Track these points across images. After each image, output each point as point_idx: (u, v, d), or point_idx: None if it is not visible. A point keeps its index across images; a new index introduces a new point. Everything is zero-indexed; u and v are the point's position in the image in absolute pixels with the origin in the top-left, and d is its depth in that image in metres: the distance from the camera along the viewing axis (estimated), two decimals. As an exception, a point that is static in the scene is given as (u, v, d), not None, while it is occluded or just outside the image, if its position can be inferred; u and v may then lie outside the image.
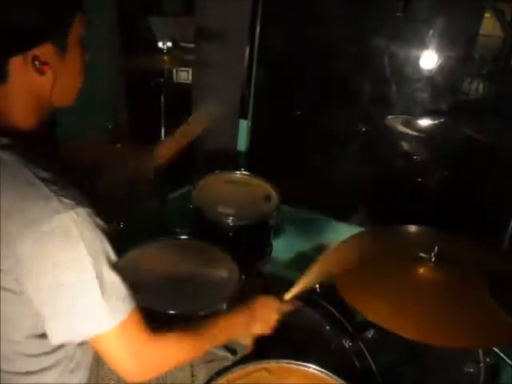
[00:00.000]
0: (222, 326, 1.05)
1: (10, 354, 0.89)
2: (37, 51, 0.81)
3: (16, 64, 0.80)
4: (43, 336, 0.85)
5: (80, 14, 0.86)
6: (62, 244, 0.76)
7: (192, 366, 1.21)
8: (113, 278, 0.81)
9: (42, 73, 0.82)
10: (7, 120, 0.83)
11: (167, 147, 1.49)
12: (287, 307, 1.22)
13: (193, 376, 1.21)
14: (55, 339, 0.83)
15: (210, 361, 1.22)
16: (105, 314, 0.80)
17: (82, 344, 1.01)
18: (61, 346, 0.92)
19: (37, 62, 0.81)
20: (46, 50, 0.81)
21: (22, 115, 0.85)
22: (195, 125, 1.49)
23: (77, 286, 0.78)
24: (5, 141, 0.79)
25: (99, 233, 0.79)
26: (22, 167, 0.77)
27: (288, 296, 1.23)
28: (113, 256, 0.82)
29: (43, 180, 0.76)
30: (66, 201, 0.76)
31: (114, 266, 0.82)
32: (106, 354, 0.85)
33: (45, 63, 0.82)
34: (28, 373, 0.92)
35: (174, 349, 0.92)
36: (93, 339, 0.83)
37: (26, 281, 0.78)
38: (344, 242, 1.30)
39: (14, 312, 0.83)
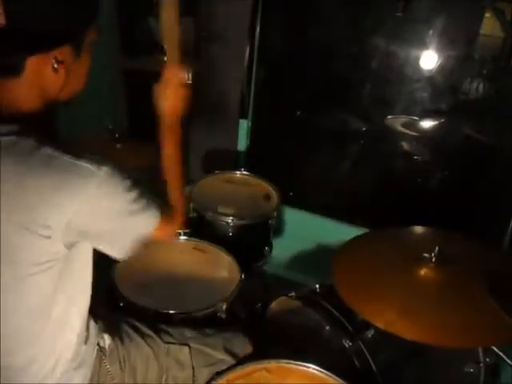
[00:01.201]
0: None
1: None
2: (57, 51, 0.86)
3: (34, 61, 0.85)
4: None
5: (95, 23, 0.92)
6: (109, 198, 0.88)
7: (193, 368, 1.21)
8: (143, 198, 0.95)
9: (56, 71, 0.87)
10: (15, 109, 0.87)
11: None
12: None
13: (193, 377, 1.21)
14: (121, 254, 0.97)
15: (211, 364, 1.23)
16: (149, 218, 0.97)
17: (86, 339, 1.03)
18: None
19: (54, 61, 0.86)
20: (64, 51, 0.87)
21: (26, 105, 0.89)
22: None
23: (131, 219, 0.93)
24: (16, 128, 0.84)
25: (125, 178, 0.91)
26: (41, 147, 0.83)
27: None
28: (137, 186, 0.94)
29: (64, 151, 0.85)
30: (92, 162, 0.85)
31: (143, 189, 0.95)
32: (160, 235, 1.01)
33: (61, 62, 0.87)
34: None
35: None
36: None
37: (85, 235, 0.90)
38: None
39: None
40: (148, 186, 1.01)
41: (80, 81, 0.96)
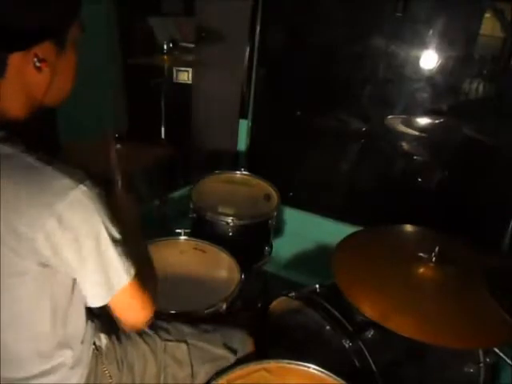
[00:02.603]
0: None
1: (25, 352, 0.92)
2: (38, 49, 0.83)
3: (15, 60, 0.82)
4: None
5: (78, 18, 0.88)
6: (81, 216, 0.81)
7: (192, 365, 1.21)
8: (121, 241, 0.87)
9: (39, 70, 0.84)
10: (2, 116, 0.85)
11: None
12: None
13: (192, 376, 1.21)
14: (93, 301, 0.90)
15: (210, 360, 1.22)
16: (124, 270, 0.88)
17: (82, 339, 1.02)
18: (65, 344, 0.96)
19: (36, 59, 0.83)
20: (46, 48, 0.84)
21: (13, 109, 0.87)
22: None
23: (99, 251, 0.84)
24: (2, 134, 0.82)
25: (104, 201, 0.85)
26: (25, 156, 0.81)
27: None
28: (115, 221, 0.87)
29: (48, 163, 0.81)
30: (74, 177, 0.81)
31: (119, 231, 0.87)
32: (124, 309, 0.94)
33: (43, 60, 0.84)
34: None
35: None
36: (116, 296, 0.89)
37: (55, 254, 0.82)
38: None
39: (36, 293, 0.88)
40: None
41: (67, 80, 0.92)
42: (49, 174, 0.80)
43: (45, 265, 0.84)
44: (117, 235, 0.86)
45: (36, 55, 0.83)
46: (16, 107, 0.87)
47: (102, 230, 0.83)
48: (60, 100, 0.93)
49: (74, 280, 0.90)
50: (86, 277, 0.87)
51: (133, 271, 0.89)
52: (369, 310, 1.19)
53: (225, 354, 1.25)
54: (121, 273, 0.87)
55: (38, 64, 0.83)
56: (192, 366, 1.20)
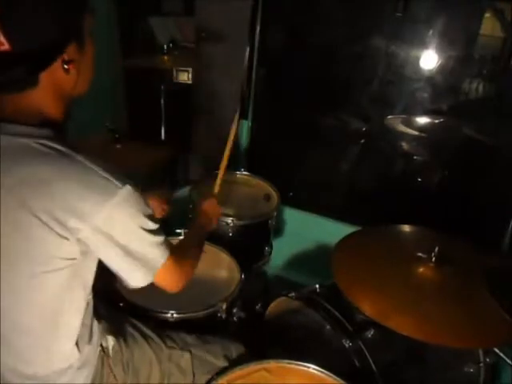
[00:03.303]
0: (193, 237, 1.32)
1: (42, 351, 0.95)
2: (64, 55, 0.87)
3: (46, 70, 0.87)
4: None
5: (88, 8, 0.92)
6: (128, 212, 0.88)
7: (194, 374, 1.21)
8: (157, 231, 0.96)
9: (68, 71, 0.89)
10: (39, 114, 0.90)
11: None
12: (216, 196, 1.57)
13: (194, 378, 1.21)
14: (134, 282, 0.98)
15: (211, 371, 1.23)
16: (160, 253, 0.97)
17: (90, 340, 1.03)
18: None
19: (64, 64, 0.88)
20: (70, 51, 0.88)
21: (51, 110, 0.92)
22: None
23: (142, 240, 0.93)
24: (48, 132, 0.87)
25: (144, 198, 0.92)
26: (75, 155, 0.86)
27: (216, 189, 1.62)
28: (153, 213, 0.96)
29: (93, 163, 0.86)
30: (119, 178, 0.87)
31: (156, 221, 0.96)
32: (167, 281, 1.05)
33: (71, 62, 0.89)
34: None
35: (187, 265, 1.13)
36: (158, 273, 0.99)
37: (100, 247, 0.90)
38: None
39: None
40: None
41: (90, 69, 0.97)
42: (99, 173, 0.85)
43: (84, 253, 0.89)
44: (154, 226, 0.94)
45: (63, 60, 0.88)
46: (52, 107, 0.92)
47: (143, 224, 0.91)
48: (86, 89, 0.99)
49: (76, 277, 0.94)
50: (125, 264, 0.93)
51: (167, 254, 0.98)
52: (368, 308, 1.19)
53: (225, 366, 1.25)
54: (157, 257, 0.97)
55: (66, 67, 0.88)
56: (194, 376, 1.21)
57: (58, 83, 0.90)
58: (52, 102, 0.91)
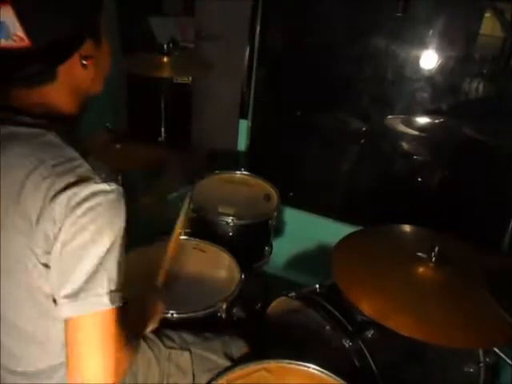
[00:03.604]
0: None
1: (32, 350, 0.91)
2: (81, 50, 0.88)
3: (65, 66, 0.87)
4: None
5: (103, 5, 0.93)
6: (107, 216, 0.80)
7: (194, 374, 1.21)
8: (121, 268, 0.84)
9: (85, 67, 0.90)
10: (51, 109, 0.90)
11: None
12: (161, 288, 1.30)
13: (194, 379, 1.21)
14: (62, 311, 0.81)
15: (211, 369, 1.23)
16: (110, 294, 0.81)
17: None
18: None
19: (82, 59, 0.89)
20: (88, 47, 0.89)
21: (66, 106, 0.92)
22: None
23: (98, 261, 0.80)
24: (48, 122, 0.86)
25: (123, 216, 0.84)
26: (66, 146, 0.83)
27: (160, 280, 1.33)
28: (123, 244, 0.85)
29: (84, 157, 0.83)
30: (104, 175, 0.81)
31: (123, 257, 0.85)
32: (85, 340, 0.81)
33: (88, 57, 0.89)
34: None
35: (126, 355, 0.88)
36: (85, 319, 0.80)
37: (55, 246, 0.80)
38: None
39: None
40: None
41: (106, 66, 0.98)
42: (83, 169, 0.81)
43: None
44: (121, 256, 0.83)
45: (81, 56, 0.88)
46: (66, 103, 0.92)
47: (119, 235, 0.82)
48: (101, 86, 0.99)
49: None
50: (68, 274, 0.79)
51: (119, 303, 0.82)
52: (368, 308, 1.19)
53: (225, 363, 1.25)
54: (105, 292, 0.80)
55: (84, 62, 0.89)
56: (194, 375, 1.21)
57: (75, 79, 0.90)
58: (67, 97, 0.91)
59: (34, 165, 0.81)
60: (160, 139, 2.43)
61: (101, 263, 0.80)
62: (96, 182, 0.80)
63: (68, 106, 0.92)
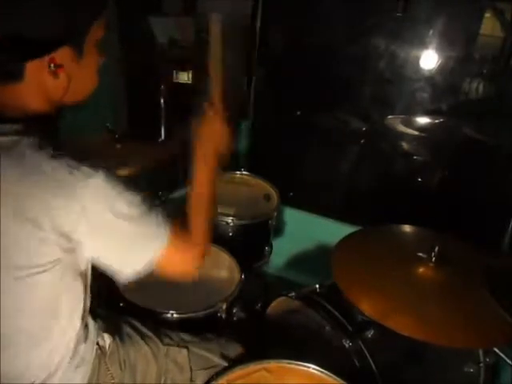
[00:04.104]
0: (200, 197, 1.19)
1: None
2: (54, 55, 0.83)
3: (32, 65, 0.83)
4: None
5: (99, 18, 0.88)
6: (104, 202, 0.84)
7: (191, 370, 1.21)
8: (151, 211, 0.91)
9: (55, 75, 0.85)
10: (23, 111, 0.87)
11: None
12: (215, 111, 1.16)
13: (191, 380, 1.21)
14: (128, 271, 0.92)
15: (208, 367, 1.23)
16: (160, 235, 0.92)
17: (86, 338, 1.02)
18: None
19: (52, 65, 0.84)
20: (63, 54, 0.85)
21: (39, 107, 0.89)
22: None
23: (129, 230, 0.88)
24: (21, 127, 0.83)
25: (121, 185, 0.87)
26: (42, 147, 0.82)
27: (215, 95, 1.17)
28: (140, 196, 0.90)
29: (64, 156, 0.83)
30: (88, 167, 0.83)
31: (145, 201, 0.90)
32: (171, 265, 0.97)
33: (60, 66, 0.85)
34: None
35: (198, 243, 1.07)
36: (160, 257, 0.92)
37: (79, 246, 0.87)
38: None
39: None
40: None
41: (87, 81, 0.93)
42: (68, 164, 0.82)
43: (69, 250, 0.86)
44: (139, 210, 0.88)
45: (52, 61, 0.83)
46: (35, 107, 0.89)
47: (125, 211, 0.86)
48: (81, 99, 0.95)
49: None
50: (116, 253, 0.90)
51: (165, 237, 0.92)
52: (368, 308, 1.19)
53: (221, 363, 1.25)
54: (152, 242, 0.91)
55: (53, 69, 0.84)
56: (191, 371, 1.21)
57: (43, 85, 0.86)
58: (39, 100, 0.88)
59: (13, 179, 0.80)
60: (160, 139, 2.43)
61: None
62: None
63: (41, 107, 0.89)
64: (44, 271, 0.86)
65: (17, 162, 0.81)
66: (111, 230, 0.87)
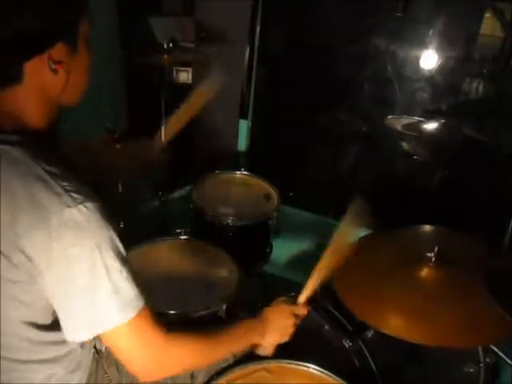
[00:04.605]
0: (233, 334, 1.04)
1: (17, 341, 0.89)
2: (51, 51, 0.83)
3: (31, 65, 0.83)
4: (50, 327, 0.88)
5: (85, 14, 0.88)
6: (73, 237, 0.76)
7: (192, 372, 1.21)
8: (123, 274, 0.81)
9: (55, 72, 0.85)
10: (19, 119, 0.86)
11: (171, 125, 1.45)
12: (301, 310, 1.19)
13: (192, 377, 1.21)
14: (70, 336, 0.83)
15: (208, 367, 1.22)
16: (116, 308, 0.80)
17: (83, 344, 1.02)
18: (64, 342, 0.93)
19: (51, 62, 0.83)
20: (58, 50, 0.84)
21: (34, 115, 0.87)
22: (197, 99, 1.44)
23: (88, 279, 0.78)
24: (15, 138, 0.81)
25: (109, 227, 0.80)
26: (32, 163, 0.79)
27: (302, 299, 1.22)
28: (122, 250, 0.83)
29: (53, 176, 0.78)
30: (76, 195, 0.77)
31: (125, 261, 0.82)
32: (118, 351, 0.86)
33: (59, 62, 0.84)
34: (31, 361, 0.92)
35: (186, 351, 0.92)
36: (106, 335, 0.83)
37: (38, 276, 0.79)
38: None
39: (27, 297, 0.84)
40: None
41: (82, 78, 0.92)
42: (51, 188, 0.77)
43: (33, 277, 0.80)
44: (117, 263, 0.80)
45: (51, 58, 0.83)
46: (37, 113, 0.87)
47: (97, 255, 0.78)
48: (77, 99, 0.94)
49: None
50: (70, 305, 0.81)
51: (141, 303, 0.83)
52: (368, 318, 1.19)
53: (221, 363, 1.24)
54: (113, 312, 0.80)
55: (53, 66, 0.84)
56: (192, 373, 1.20)
57: (44, 83, 0.85)
58: (36, 104, 0.87)
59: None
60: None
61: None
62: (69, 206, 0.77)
63: (37, 115, 0.87)
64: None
65: (2, 170, 0.78)
66: (69, 271, 0.78)
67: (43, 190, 0.77)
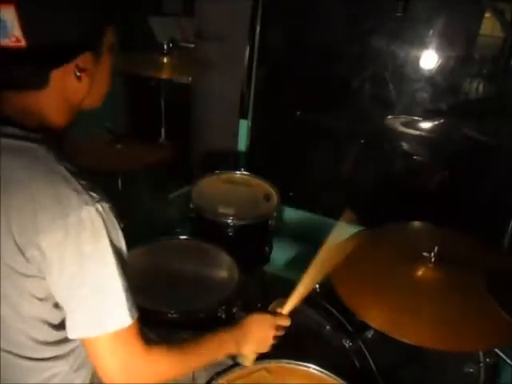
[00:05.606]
0: (209, 344, 1.02)
1: (23, 337, 0.90)
2: (79, 60, 0.86)
3: (58, 73, 0.85)
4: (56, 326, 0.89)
5: (113, 21, 0.91)
6: (89, 235, 0.79)
7: (193, 372, 1.21)
8: (124, 281, 0.83)
9: (80, 79, 0.87)
10: (41, 120, 0.88)
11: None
12: (284, 321, 1.17)
13: (193, 378, 1.21)
14: (72, 333, 0.85)
15: (208, 367, 1.22)
16: (124, 311, 0.82)
17: None
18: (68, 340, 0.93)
19: (77, 70, 0.86)
20: (85, 59, 0.87)
21: (56, 117, 0.90)
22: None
23: (99, 278, 0.81)
24: (40, 136, 0.84)
25: (119, 230, 0.84)
26: (56, 162, 0.82)
27: (286, 309, 1.19)
28: (125, 255, 0.85)
29: (73, 174, 0.81)
30: (94, 194, 0.80)
31: (126, 269, 0.84)
32: (97, 356, 0.86)
33: (84, 70, 0.87)
34: (36, 359, 0.92)
35: (163, 363, 0.92)
36: (91, 338, 0.84)
37: (49, 272, 0.80)
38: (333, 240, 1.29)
39: (40, 293, 0.85)
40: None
41: (105, 83, 0.95)
42: (72, 186, 0.80)
43: (42, 272, 0.82)
44: (122, 269, 0.82)
45: (77, 66, 0.86)
46: (56, 114, 0.90)
47: (109, 254, 0.81)
48: (99, 102, 0.97)
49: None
50: (76, 300, 0.82)
51: (135, 314, 0.84)
52: (366, 314, 1.18)
53: (225, 360, 1.24)
54: (121, 310, 0.82)
55: (78, 74, 0.86)
56: (193, 373, 1.20)
57: (68, 90, 0.88)
58: (59, 107, 0.89)
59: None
60: (160, 139, 2.43)
61: None
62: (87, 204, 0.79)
63: (59, 116, 0.90)
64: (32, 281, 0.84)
65: (29, 168, 0.81)
66: (80, 269, 0.79)
67: (65, 187, 0.80)
